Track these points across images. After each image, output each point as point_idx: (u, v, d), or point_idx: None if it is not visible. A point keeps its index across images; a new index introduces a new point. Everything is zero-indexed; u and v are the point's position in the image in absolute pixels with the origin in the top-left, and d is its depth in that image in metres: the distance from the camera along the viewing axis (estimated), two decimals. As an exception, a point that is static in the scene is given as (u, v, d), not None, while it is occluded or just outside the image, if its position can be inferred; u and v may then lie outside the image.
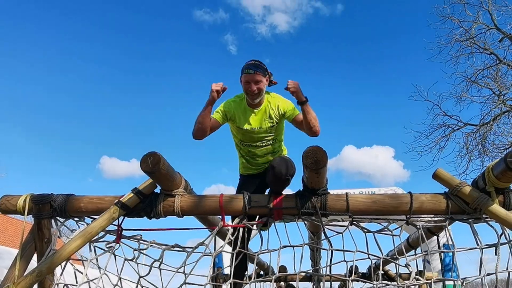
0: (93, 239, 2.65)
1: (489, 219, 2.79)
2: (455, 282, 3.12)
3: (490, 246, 2.80)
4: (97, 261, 2.84)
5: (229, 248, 2.88)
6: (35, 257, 2.82)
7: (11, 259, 7.11)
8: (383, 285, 3.01)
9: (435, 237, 3.87)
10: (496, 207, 2.66)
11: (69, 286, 2.67)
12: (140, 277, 2.75)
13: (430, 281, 2.85)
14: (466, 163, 11.91)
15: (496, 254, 2.81)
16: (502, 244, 2.81)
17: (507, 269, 2.78)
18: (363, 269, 5.79)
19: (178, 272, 2.66)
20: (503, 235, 2.80)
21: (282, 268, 4.68)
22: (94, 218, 2.73)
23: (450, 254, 2.96)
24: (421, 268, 4.34)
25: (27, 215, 2.72)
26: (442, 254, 5.23)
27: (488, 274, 2.85)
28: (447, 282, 5.55)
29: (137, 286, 2.70)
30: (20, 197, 2.73)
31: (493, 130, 11.35)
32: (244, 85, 3.10)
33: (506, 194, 2.75)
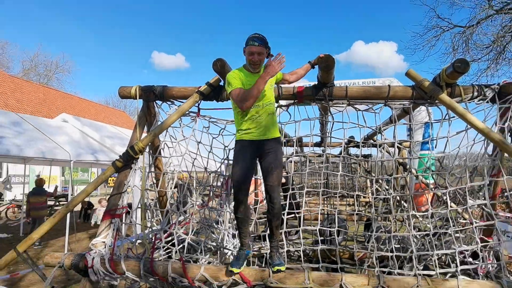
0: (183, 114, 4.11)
1: (439, 104, 4.20)
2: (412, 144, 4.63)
3: (437, 121, 4.28)
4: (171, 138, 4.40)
5: None
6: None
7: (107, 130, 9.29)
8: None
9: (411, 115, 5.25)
10: (444, 96, 4.02)
11: (172, 141, 4.23)
12: (213, 138, 4.37)
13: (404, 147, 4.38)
14: (451, 60, 13.25)
15: (440, 127, 4.29)
16: (444, 120, 4.27)
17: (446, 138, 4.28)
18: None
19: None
20: (446, 115, 4.26)
21: (299, 139, 6.23)
22: (182, 102, 4.14)
23: (429, 131, 4.20)
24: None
25: (138, 99, 4.12)
26: (422, 129, 6.88)
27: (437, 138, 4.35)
28: (421, 152, 7.29)
29: (211, 145, 4.29)
30: (132, 87, 4.10)
31: (477, 32, 12.55)
32: (248, 55, 3.43)
33: (452, 88, 4.11)
